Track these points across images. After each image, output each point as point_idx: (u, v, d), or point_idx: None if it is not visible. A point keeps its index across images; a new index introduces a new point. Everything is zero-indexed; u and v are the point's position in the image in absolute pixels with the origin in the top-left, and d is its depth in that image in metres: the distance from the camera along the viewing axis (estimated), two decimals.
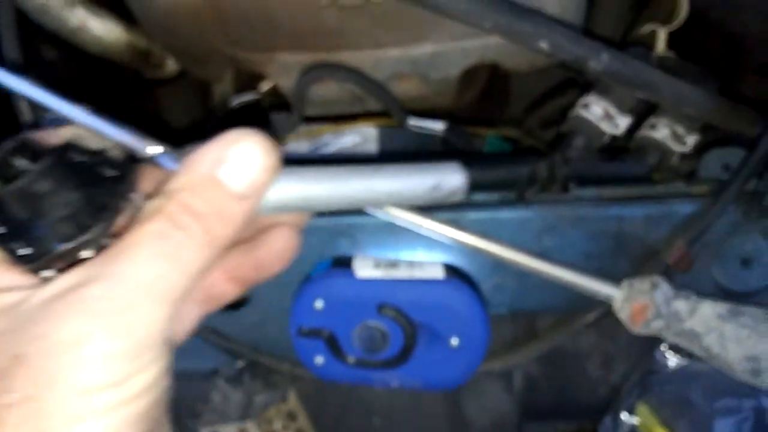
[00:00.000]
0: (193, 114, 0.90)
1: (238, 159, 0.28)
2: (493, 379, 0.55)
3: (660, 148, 0.53)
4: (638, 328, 0.49)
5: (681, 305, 0.48)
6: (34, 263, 0.27)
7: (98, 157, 0.30)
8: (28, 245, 0.27)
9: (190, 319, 0.34)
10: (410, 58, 0.63)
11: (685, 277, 0.51)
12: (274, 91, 0.72)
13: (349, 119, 0.68)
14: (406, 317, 0.47)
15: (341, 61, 0.63)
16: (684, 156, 0.54)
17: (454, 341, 0.48)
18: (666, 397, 0.54)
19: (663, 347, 0.53)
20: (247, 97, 0.77)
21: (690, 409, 0.53)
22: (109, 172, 0.29)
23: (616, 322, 0.50)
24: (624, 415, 0.54)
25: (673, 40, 0.61)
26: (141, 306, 0.25)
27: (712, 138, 0.58)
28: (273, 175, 0.29)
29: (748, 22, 0.65)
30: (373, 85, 0.61)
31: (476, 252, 0.51)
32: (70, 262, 0.27)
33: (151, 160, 0.30)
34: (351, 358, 0.49)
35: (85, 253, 0.28)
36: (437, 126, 0.64)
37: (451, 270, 0.50)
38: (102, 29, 0.69)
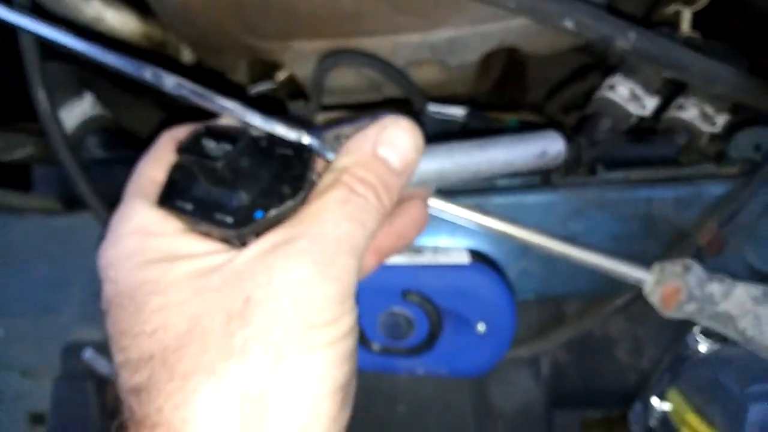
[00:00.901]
0: None
1: (394, 140, 0.33)
2: (520, 366, 0.54)
3: (688, 128, 0.52)
4: (670, 312, 0.48)
5: (715, 288, 0.47)
6: (237, 229, 0.30)
7: (274, 139, 0.34)
8: (230, 215, 0.31)
9: (361, 274, 0.37)
10: (429, 44, 0.62)
11: (717, 260, 0.50)
12: (291, 81, 0.71)
13: (368, 107, 0.67)
14: (431, 303, 0.46)
15: (359, 47, 0.62)
16: (713, 137, 0.53)
17: (481, 327, 0.47)
18: (698, 383, 0.53)
19: (694, 331, 0.52)
20: (264, 86, 0.76)
21: (723, 394, 0.52)
22: (288, 152, 0.33)
23: (646, 307, 0.49)
24: (655, 401, 0.53)
25: (697, 21, 0.59)
26: (341, 258, 0.29)
27: (742, 118, 0.57)
28: (420, 154, 0.34)
29: None
30: (392, 70, 0.60)
31: (502, 237, 0.50)
32: (267, 228, 0.31)
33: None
34: (376, 346, 0.48)
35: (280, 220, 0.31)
36: (458, 112, 0.63)
37: (477, 255, 0.49)
38: (118, 20, 0.68)
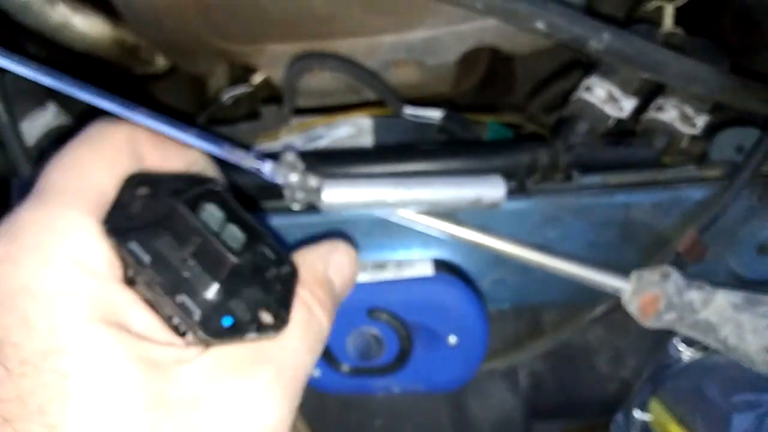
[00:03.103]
0: (187, 109, 0.88)
1: (342, 266, 0.34)
2: (498, 378, 0.53)
3: (668, 130, 0.50)
4: (649, 322, 0.47)
5: (694, 296, 0.46)
6: (201, 329, 0.26)
7: (262, 240, 0.29)
8: (198, 306, 0.26)
9: None
10: (405, 45, 0.61)
11: (698, 267, 0.49)
12: (268, 83, 0.70)
13: (343, 110, 0.65)
14: (398, 319, 0.45)
15: (334, 49, 0.61)
16: (694, 138, 0.51)
17: (452, 339, 0.46)
18: (680, 393, 0.51)
19: (676, 340, 0.50)
20: (240, 90, 0.74)
21: (706, 404, 0.50)
22: (269, 251, 0.29)
23: (626, 315, 0.47)
24: (636, 412, 0.52)
25: (681, 16, 0.58)
26: (297, 390, 0.28)
27: (724, 118, 0.55)
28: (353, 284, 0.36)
29: None
30: (364, 73, 0.59)
31: (475, 247, 0.49)
32: (229, 342, 0.27)
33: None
34: (348, 367, 0.46)
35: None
36: (434, 114, 0.62)
37: (442, 265, 0.47)
38: (86, 25, 0.67)
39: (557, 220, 0.48)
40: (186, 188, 0.28)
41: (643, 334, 0.50)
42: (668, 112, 0.50)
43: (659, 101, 0.51)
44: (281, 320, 0.28)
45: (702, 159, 0.55)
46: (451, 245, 0.49)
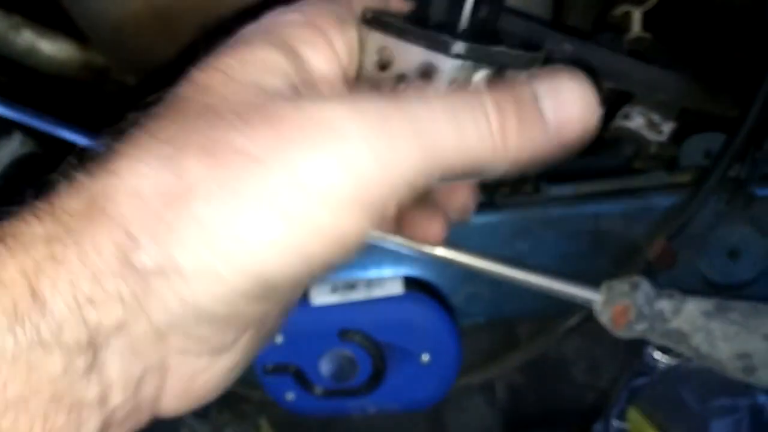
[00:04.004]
0: None
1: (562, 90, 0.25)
2: (475, 392, 0.52)
3: (635, 138, 0.50)
4: (621, 332, 0.47)
5: (664, 305, 0.46)
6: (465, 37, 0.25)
7: None
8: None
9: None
10: None
11: (671, 274, 0.49)
12: None
13: None
14: (370, 339, 0.44)
15: None
16: (662, 145, 0.51)
17: (425, 357, 0.45)
18: (658, 400, 0.51)
19: (651, 348, 0.50)
20: None
21: (684, 410, 0.50)
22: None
23: (600, 325, 0.47)
24: (615, 421, 0.51)
25: (651, 20, 0.58)
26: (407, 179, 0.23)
27: (695, 122, 0.55)
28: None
29: None
30: None
31: (447, 263, 0.48)
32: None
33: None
34: (322, 390, 0.46)
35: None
36: None
37: (413, 283, 0.47)
38: (53, 49, 0.66)
39: (527, 233, 0.48)
40: None
41: (618, 343, 0.49)
42: (635, 120, 0.50)
43: (626, 109, 0.51)
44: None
45: (673, 163, 0.55)
46: (423, 261, 0.49)
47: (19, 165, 0.58)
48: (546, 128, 0.24)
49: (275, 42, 0.25)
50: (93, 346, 0.22)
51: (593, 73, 0.46)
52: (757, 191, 0.48)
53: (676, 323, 0.45)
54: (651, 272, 0.48)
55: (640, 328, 0.46)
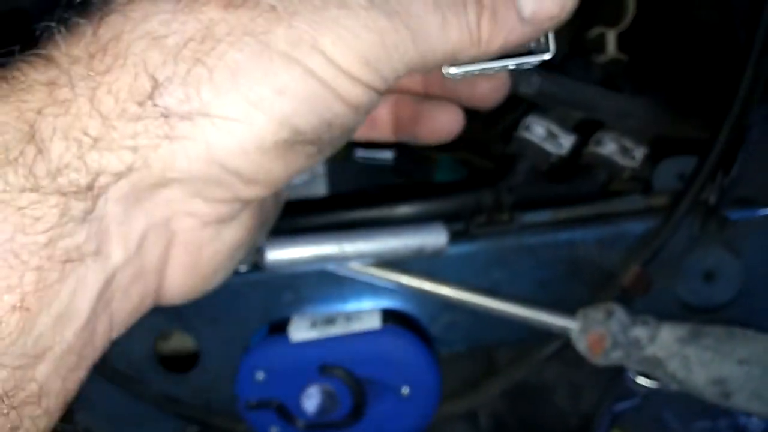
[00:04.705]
0: None
1: None
2: (458, 420, 0.53)
3: (607, 164, 0.50)
4: (598, 360, 0.47)
5: (639, 331, 0.46)
6: None
7: None
8: None
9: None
10: None
11: (647, 299, 0.49)
12: None
13: None
14: (349, 374, 0.45)
15: None
16: (635, 169, 0.52)
17: (405, 390, 0.46)
18: (641, 423, 0.51)
19: (632, 373, 0.50)
20: None
21: None
22: None
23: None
24: None
25: (627, 40, 0.58)
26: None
27: (668, 145, 0.55)
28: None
29: (699, 12, 0.62)
30: None
31: (424, 294, 0.49)
32: None
33: None
34: (304, 423, 0.46)
35: None
36: (385, 155, 0.62)
37: (391, 315, 0.48)
38: None
39: (502, 262, 0.49)
40: None
41: (599, 368, 0.50)
42: (607, 146, 0.50)
43: (598, 135, 0.51)
44: None
45: (649, 185, 0.55)
46: (401, 293, 0.49)
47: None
48: (520, 19, 0.25)
49: None
50: (92, 192, 0.20)
51: (561, 102, 0.47)
52: (731, 215, 0.48)
53: (652, 350, 0.45)
54: (626, 299, 0.48)
55: (616, 356, 0.46)
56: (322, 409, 0.46)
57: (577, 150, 0.52)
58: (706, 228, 0.49)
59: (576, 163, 0.53)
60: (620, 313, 0.46)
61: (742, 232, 0.49)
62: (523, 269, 0.49)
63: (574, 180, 0.52)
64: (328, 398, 0.45)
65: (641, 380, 0.51)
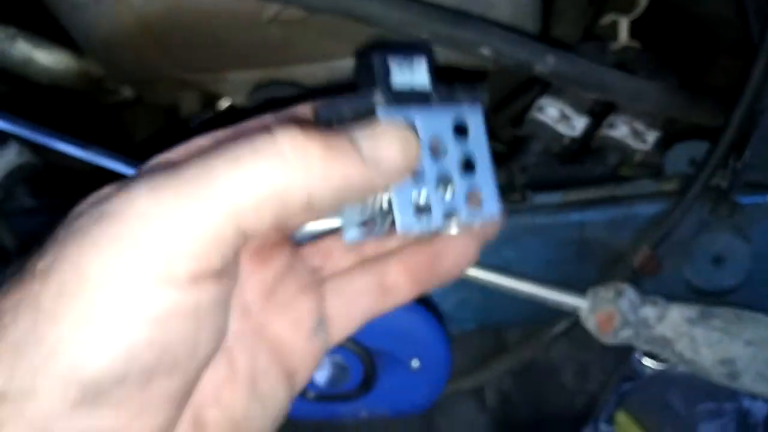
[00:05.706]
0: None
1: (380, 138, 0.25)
2: (465, 397, 0.53)
3: (620, 147, 0.51)
4: (607, 338, 0.47)
5: (649, 311, 0.46)
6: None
7: None
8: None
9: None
10: None
11: (656, 281, 0.49)
12: (234, 109, 0.70)
13: None
14: (360, 346, 0.45)
15: (293, 75, 0.61)
16: (647, 153, 0.52)
17: (415, 363, 0.46)
18: (646, 404, 0.52)
19: (638, 353, 0.51)
20: (208, 115, 0.75)
21: (671, 414, 0.51)
22: None
23: (587, 330, 0.48)
24: (603, 425, 0.52)
25: (639, 28, 0.58)
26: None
27: (680, 130, 0.56)
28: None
29: (710, 3, 0.63)
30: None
31: None
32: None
33: None
34: (314, 394, 0.47)
35: None
36: None
37: None
38: (50, 60, 0.67)
39: (514, 241, 0.49)
40: None
41: (606, 348, 0.50)
42: (619, 129, 0.51)
43: (611, 118, 0.52)
44: None
45: (659, 171, 0.55)
46: None
47: (15, 174, 0.59)
48: (361, 161, 0.24)
49: None
50: None
51: (575, 83, 0.47)
52: (741, 199, 0.49)
53: (660, 330, 0.46)
54: (635, 280, 0.49)
55: (624, 335, 0.47)
56: (333, 381, 0.46)
57: (589, 132, 0.52)
58: (716, 212, 0.49)
59: (588, 145, 0.54)
60: (630, 292, 0.46)
61: (752, 216, 0.49)
62: (534, 249, 0.49)
63: (585, 162, 0.52)
64: (338, 370, 0.46)
65: (647, 361, 0.51)
